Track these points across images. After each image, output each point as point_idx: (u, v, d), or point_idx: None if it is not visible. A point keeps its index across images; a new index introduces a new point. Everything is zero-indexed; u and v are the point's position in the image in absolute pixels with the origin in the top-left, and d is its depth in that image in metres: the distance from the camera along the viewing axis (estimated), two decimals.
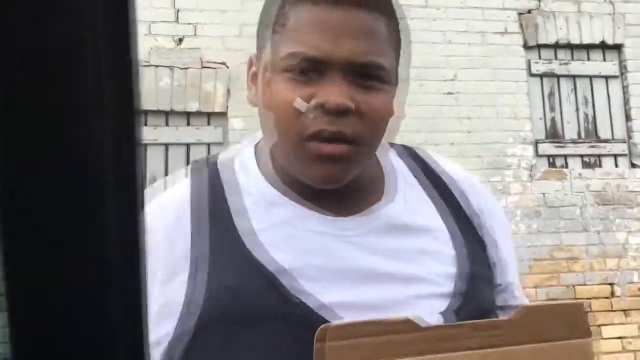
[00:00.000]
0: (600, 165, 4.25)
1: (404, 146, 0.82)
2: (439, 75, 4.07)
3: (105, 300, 0.21)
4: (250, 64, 0.73)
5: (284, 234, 0.67)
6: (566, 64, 4.31)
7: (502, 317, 0.74)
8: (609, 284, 4.00)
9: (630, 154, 4.27)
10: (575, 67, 4.32)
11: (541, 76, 4.30)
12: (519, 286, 0.80)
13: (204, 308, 0.62)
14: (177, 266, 0.65)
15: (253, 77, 0.72)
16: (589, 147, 4.20)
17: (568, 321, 0.68)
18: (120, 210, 0.21)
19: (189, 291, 0.63)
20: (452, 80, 4.08)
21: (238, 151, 0.76)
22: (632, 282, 4.02)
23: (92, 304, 0.21)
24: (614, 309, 3.95)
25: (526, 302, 0.80)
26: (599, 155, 4.26)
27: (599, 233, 4.06)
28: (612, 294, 3.99)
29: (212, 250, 0.65)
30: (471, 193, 0.78)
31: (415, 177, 0.77)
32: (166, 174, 3.73)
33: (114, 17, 0.20)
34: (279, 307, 0.62)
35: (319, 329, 0.58)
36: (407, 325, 0.61)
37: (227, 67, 3.80)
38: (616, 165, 4.27)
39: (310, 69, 0.64)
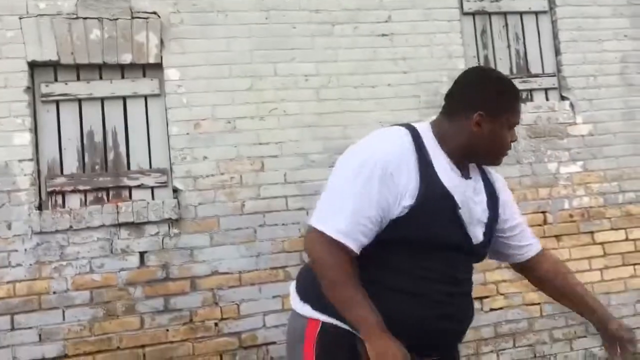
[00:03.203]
0: (531, 99, 4.39)
1: None
2: (373, 17, 4.10)
3: None
4: (480, 115, 1.64)
5: (447, 176, 1.65)
6: (497, 1, 4.38)
7: None
8: (542, 212, 4.20)
9: (559, 87, 4.42)
10: (506, 4, 4.40)
11: (473, 14, 4.37)
12: None
13: (423, 194, 1.58)
14: (414, 177, 1.59)
15: (477, 124, 1.64)
16: (520, 82, 4.32)
17: None
18: None
19: (419, 187, 1.57)
20: (386, 21, 4.12)
21: (423, 130, 1.74)
22: (563, 209, 4.23)
23: None
24: (546, 235, 4.16)
25: None
26: (531, 90, 4.40)
27: (531, 165, 4.23)
28: (545, 221, 4.19)
29: (428, 173, 1.61)
30: None
31: None
32: (104, 128, 3.71)
33: None
34: (449, 204, 1.62)
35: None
36: None
37: (159, 16, 3.75)
38: (547, 99, 4.42)
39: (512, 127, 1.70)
